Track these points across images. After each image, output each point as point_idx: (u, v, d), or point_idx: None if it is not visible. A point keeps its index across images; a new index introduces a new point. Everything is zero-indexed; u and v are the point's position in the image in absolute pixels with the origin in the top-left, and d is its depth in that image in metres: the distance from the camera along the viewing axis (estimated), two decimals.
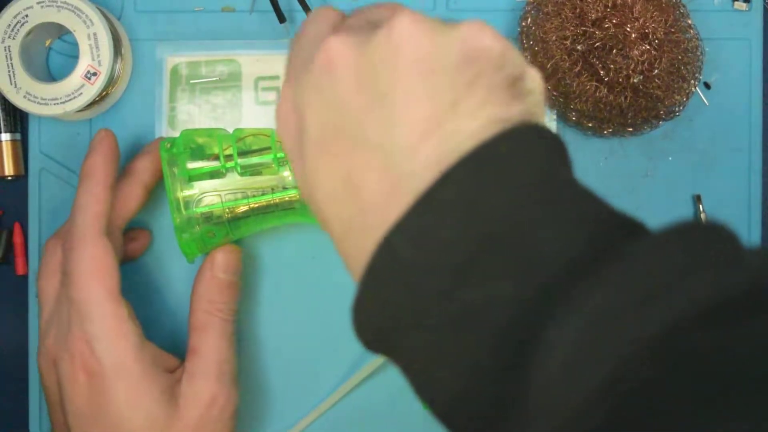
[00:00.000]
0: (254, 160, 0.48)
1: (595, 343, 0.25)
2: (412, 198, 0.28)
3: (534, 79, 0.32)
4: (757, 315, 0.25)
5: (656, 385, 0.24)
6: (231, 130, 0.50)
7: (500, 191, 0.28)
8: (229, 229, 0.48)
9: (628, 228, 0.28)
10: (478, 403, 0.28)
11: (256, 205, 0.48)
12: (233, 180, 0.47)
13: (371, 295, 0.29)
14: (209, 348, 0.48)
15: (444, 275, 0.27)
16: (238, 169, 0.47)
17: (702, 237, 0.27)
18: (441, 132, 0.29)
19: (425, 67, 0.30)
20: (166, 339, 0.53)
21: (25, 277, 0.54)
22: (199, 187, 0.47)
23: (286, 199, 0.48)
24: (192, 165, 0.47)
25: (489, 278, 0.27)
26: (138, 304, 0.49)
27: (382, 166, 0.30)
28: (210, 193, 0.47)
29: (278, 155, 0.48)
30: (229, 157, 0.47)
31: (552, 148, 0.30)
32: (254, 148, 0.48)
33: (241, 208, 0.48)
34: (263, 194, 0.48)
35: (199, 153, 0.48)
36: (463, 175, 0.28)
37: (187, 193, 0.47)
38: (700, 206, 0.54)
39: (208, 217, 0.47)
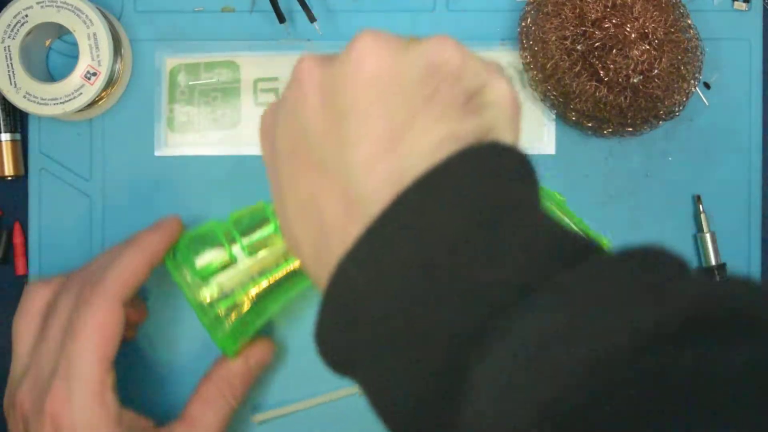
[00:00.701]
0: (257, 236, 0.47)
1: (521, 375, 0.25)
2: (366, 222, 0.28)
3: (496, 90, 0.32)
4: (689, 345, 0.24)
5: (586, 416, 0.24)
6: (227, 203, 0.49)
7: (446, 217, 0.28)
8: (258, 310, 0.48)
9: (576, 254, 0.28)
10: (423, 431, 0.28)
11: (277, 277, 0.47)
12: (245, 263, 0.47)
13: (329, 319, 0.29)
14: (206, 424, 0.47)
15: (391, 302, 0.28)
16: (246, 251, 0.47)
17: (640, 265, 0.26)
18: (396, 152, 0.29)
19: (383, 85, 0.30)
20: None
21: (24, 277, 0.54)
22: (216, 282, 0.47)
23: None
24: (201, 263, 0.47)
25: (429, 307, 0.27)
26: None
27: (340, 188, 0.30)
28: (228, 284, 0.47)
29: (278, 223, 0.47)
30: (233, 243, 0.47)
31: (506, 167, 0.29)
32: (254, 224, 0.48)
33: (263, 285, 0.47)
34: (278, 266, 0.47)
35: (203, 250, 0.47)
36: (411, 201, 0.28)
37: (206, 293, 0.47)
38: (700, 206, 0.54)
39: (233, 308, 0.47)
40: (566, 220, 0.50)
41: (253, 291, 0.47)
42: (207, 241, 0.48)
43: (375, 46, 0.31)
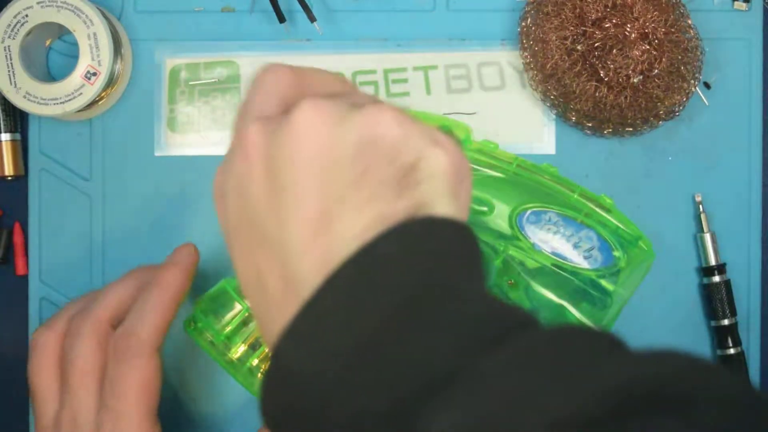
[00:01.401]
0: None
1: None
2: (300, 303, 0.28)
3: (433, 162, 0.31)
4: (616, 427, 0.24)
5: None
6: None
7: (371, 299, 0.27)
8: None
9: (506, 334, 0.27)
10: None
11: None
12: None
13: (268, 398, 0.29)
14: None
15: (322, 386, 0.27)
16: None
17: (564, 348, 0.26)
18: (328, 233, 0.29)
19: (319, 161, 0.30)
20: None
21: (25, 277, 0.55)
22: (241, 338, 0.47)
23: None
24: (221, 324, 0.47)
25: (354, 393, 0.27)
26: None
27: (280, 266, 0.30)
28: (253, 337, 0.47)
29: None
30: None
31: (435, 243, 0.29)
32: None
33: None
34: None
35: (220, 310, 0.47)
36: (341, 282, 0.28)
37: (234, 352, 0.47)
38: (700, 206, 0.54)
39: (264, 359, 0.47)
40: (564, 191, 0.50)
41: None
42: (221, 300, 0.48)
43: (313, 120, 0.30)
